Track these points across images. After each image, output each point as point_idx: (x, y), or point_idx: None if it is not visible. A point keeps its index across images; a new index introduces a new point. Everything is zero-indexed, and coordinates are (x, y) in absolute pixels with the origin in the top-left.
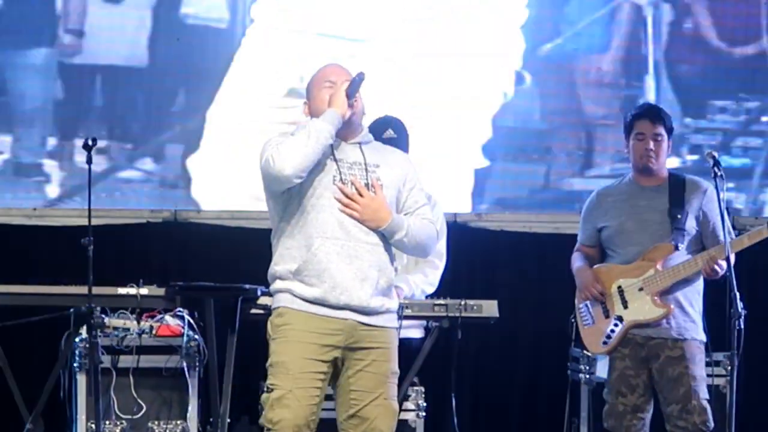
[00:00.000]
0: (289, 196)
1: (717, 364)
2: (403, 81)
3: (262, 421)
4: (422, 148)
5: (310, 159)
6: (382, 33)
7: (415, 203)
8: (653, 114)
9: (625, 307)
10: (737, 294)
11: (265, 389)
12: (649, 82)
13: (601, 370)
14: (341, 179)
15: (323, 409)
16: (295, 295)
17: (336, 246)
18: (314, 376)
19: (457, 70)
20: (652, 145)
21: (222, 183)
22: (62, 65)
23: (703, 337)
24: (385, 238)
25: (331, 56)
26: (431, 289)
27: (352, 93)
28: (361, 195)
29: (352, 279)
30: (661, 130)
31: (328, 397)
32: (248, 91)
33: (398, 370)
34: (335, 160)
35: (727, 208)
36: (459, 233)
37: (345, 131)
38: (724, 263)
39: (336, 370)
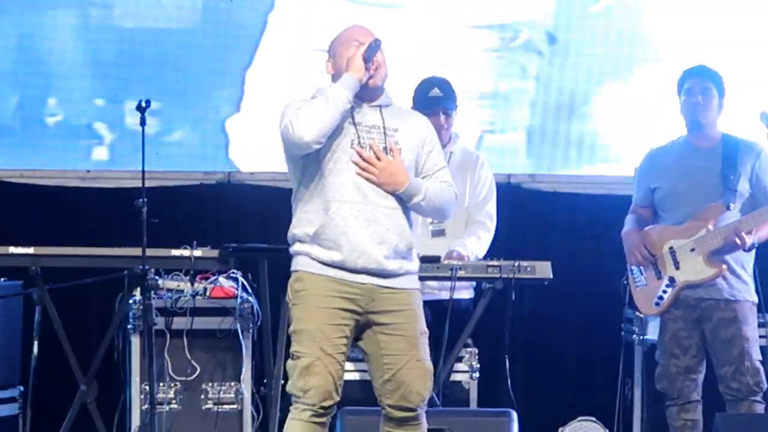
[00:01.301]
0: (307, 159)
1: (762, 325)
2: (435, 47)
3: (290, 389)
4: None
5: (329, 125)
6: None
7: (434, 166)
8: (702, 70)
9: (677, 267)
10: None
11: (291, 356)
12: None
13: (653, 331)
14: (359, 143)
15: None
16: (313, 258)
17: (353, 210)
18: (339, 341)
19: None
20: (700, 98)
21: (262, 145)
22: (112, 27)
23: (755, 297)
24: (403, 202)
25: (361, 20)
26: (483, 252)
27: (369, 57)
28: (378, 159)
29: (369, 242)
30: (710, 84)
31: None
32: (284, 54)
33: (427, 330)
34: (354, 123)
35: None
36: (512, 194)
37: (365, 94)
38: (746, 237)
39: (360, 333)
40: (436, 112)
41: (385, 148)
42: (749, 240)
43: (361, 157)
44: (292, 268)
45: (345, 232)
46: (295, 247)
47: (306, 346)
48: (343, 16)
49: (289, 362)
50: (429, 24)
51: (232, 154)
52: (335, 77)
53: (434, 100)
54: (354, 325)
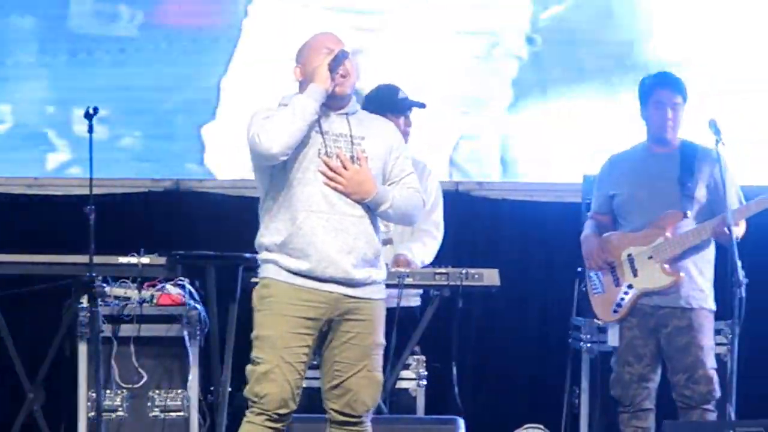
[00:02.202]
0: (275, 169)
1: (718, 332)
2: (407, 53)
3: (247, 394)
4: (430, 119)
5: (296, 136)
6: (390, 6)
7: (402, 172)
8: (673, 82)
9: (635, 275)
10: (738, 262)
11: (251, 362)
12: None
13: (612, 338)
14: (326, 152)
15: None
16: (280, 267)
17: (321, 219)
18: (300, 350)
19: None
20: (670, 114)
21: (235, 152)
22: (65, 34)
23: (712, 306)
24: (371, 210)
25: (338, 27)
26: (430, 259)
27: (335, 67)
28: (345, 168)
29: (337, 252)
30: (679, 99)
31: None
32: (257, 62)
33: (384, 342)
34: (321, 132)
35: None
36: (460, 202)
37: (332, 102)
38: (735, 228)
39: (321, 340)
40: (407, 114)
41: (352, 157)
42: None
43: (328, 166)
44: (259, 275)
45: (313, 241)
46: (263, 255)
47: (266, 352)
48: (319, 23)
49: (248, 367)
50: (406, 30)
51: (191, 161)
52: (303, 84)
53: (405, 101)
54: (317, 335)
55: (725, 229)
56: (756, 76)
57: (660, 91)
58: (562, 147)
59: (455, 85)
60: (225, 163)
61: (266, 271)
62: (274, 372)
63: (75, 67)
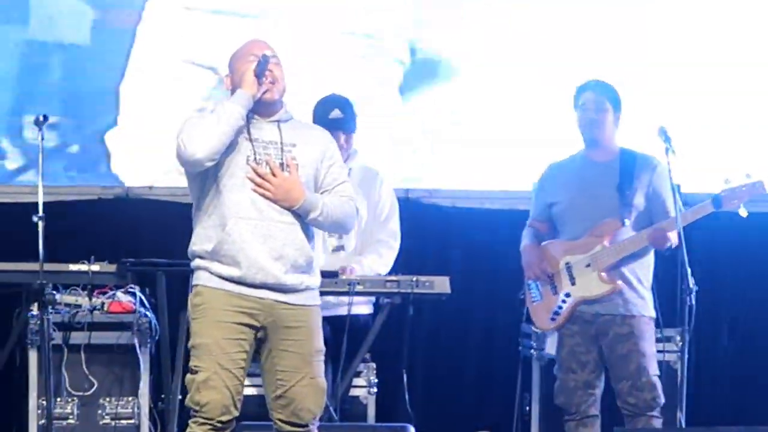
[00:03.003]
0: (204, 175)
1: (668, 340)
2: (302, 54)
3: (188, 403)
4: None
5: (222, 142)
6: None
7: (334, 180)
8: (597, 85)
9: (573, 283)
10: (688, 270)
11: (190, 371)
12: None
13: (550, 346)
14: (255, 159)
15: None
16: (212, 273)
17: (249, 225)
18: (237, 356)
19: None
20: (594, 114)
21: (144, 158)
22: (11, 40)
23: (652, 313)
24: (301, 217)
25: (226, 30)
26: (386, 270)
27: (260, 72)
28: (274, 175)
29: (266, 258)
30: (604, 100)
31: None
32: (153, 66)
33: (323, 347)
34: (250, 139)
35: (678, 185)
36: (411, 210)
37: (262, 108)
38: (672, 236)
39: (258, 347)
40: (337, 134)
41: (281, 164)
42: (673, 238)
43: (256, 173)
44: (192, 283)
45: (243, 248)
46: (195, 263)
47: (204, 360)
48: (208, 27)
49: (188, 376)
50: (294, 32)
51: (115, 168)
52: (233, 93)
53: (334, 122)
54: (253, 340)
55: (667, 235)
56: (696, 86)
57: (584, 94)
58: (513, 155)
59: (348, 87)
60: (132, 169)
61: (199, 279)
62: (213, 379)
63: (26, 73)
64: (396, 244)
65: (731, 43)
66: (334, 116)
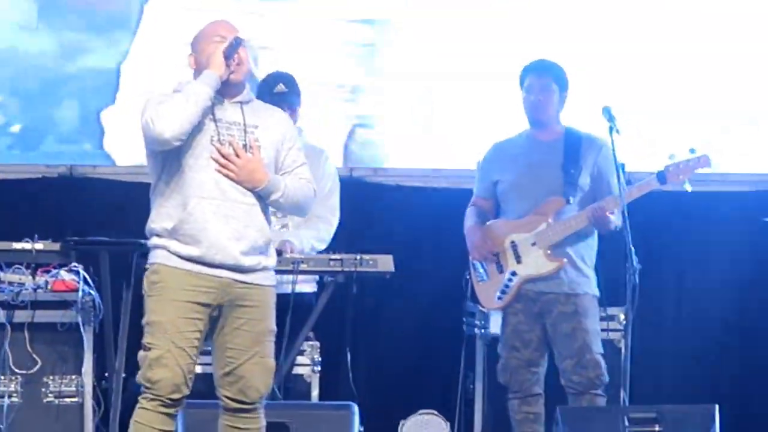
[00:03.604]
0: (167, 155)
1: (612, 318)
2: (302, 40)
3: (139, 380)
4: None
5: (190, 122)
6: None
7: (294, 162)
8: (540, 66)
9: (519, 261)
10: (632, 249)
11: (143, 347)
12: None
13: (495, 325)
14: (219, 139)
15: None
16: (170, 252)
17: (212, 206)
18: (191, 335)
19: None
20: (540, 95)
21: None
22: None
23: (596, 291)
24: (262, 198)
25: (239, 12)
26: (322, 246)
27: (229, 54)
28: (238, 156)
29: (227, 238)
30: (549, 81)
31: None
32: (157, 47)
33: (275, 328)
34: (214, 120)
35: (623, 164)
36: (355, 188)
37: (227, 90)
38: (611, 216)
39: (213, 326)
40: (281, 108)
41: (244, 145)
42: (614, 219)
43: (220, 153)
44: (149, 261)
45: (204, 228)
46: (153, 241)
47: (157, 338)
48: (213, 10)
49: (140, 353)
50: (295, 17)
51: (107, 146)
52: (197, 73)
53: (279, 96)
54: (208, 319)
55: (607, 214)
56: (645, 66)
57: (530, 76)
58: (456, 133)
59: (346, 72)
60: (124, 147)
61: (156, 257)
62: (166, 357)
63: None
64: (334, 220)
65: (682, 25)
66: (279, 90)
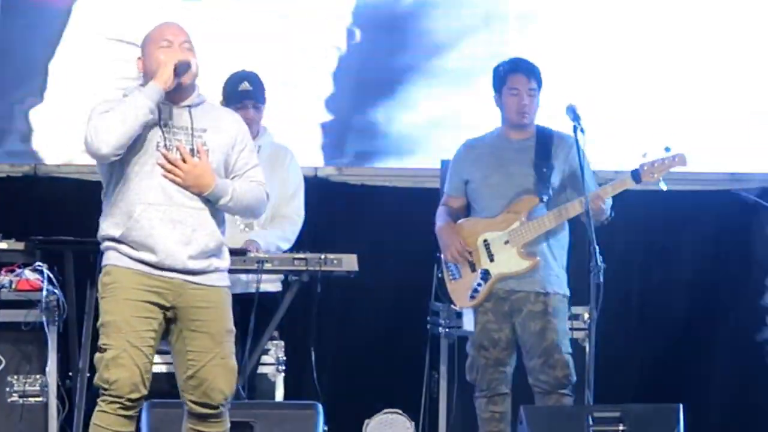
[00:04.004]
0: (113, 163)
1: (576, 317)
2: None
3: (97, 381)
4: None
5: (128, 136)
6: None
7: (245, 165)
8: (527, 68)
9: (492, 260)
10: (597, 248)
11: (99, 349)
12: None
13: (468, 324)
14: (165, 145)
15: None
16: (121, 254)
17: (158, 212)
18: (146, 334)
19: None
20: (526, 100)
21: (66, 136)
22: None
23: (566, 291)
24: (210, 202)
25: (165, 12)
26: (287, 245)
27: (180, 73)
28: (184, 161)
29: (175, 243)
30: (535, 85)
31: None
32: (88, 46)
33: (233, 329)
34: (161, 126)
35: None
36: (319, 187)
37: (175, 95)
38: (604, 205)
39: (168, 327)
40: (246, 105)
41: (191, 150)
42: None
43: (167, 159)
44: (102, 263)
45: (151, 234)
46: (105, 244)
47: (113, 338)
48: (150, 7)
49: (96, 355)
50: (237, 15)
51: (35, 144)
52: (145, 76)
53: (244, 93)
54: (162, 319)
55: (600, 204)
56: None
57: (514, 77)
58: (420, 133)
59: (315, 74)
60: (53, 146)
61: (108, 259)
62: (122, 357)
63: None
64: (299, 220)
65: (657, 25)
66: (243, 88)
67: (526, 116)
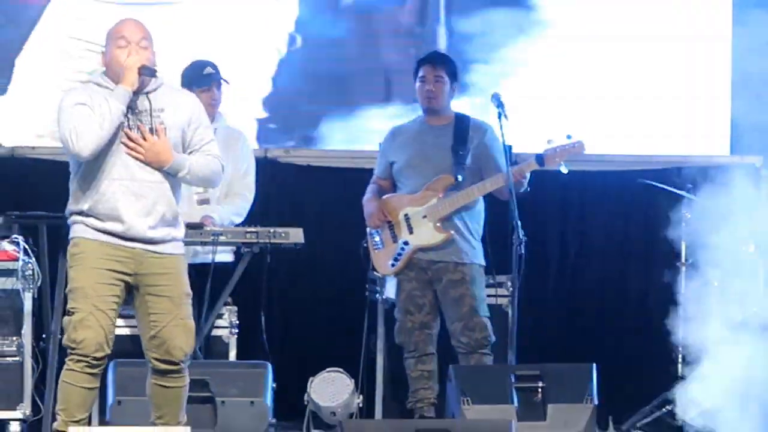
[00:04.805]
0: None
1: (500, 285)
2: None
3: (65, 342)
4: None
5: (106, 138)
6: None
7: (201, 141)
8: (434, 59)
9: (411, 232)
10: (518, 222)
11: (67, 313)
12: (441, 31)
13: (390, 290)
14: (129, 126)
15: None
16: (88, 226)
17: (122, 186)
18: (110, 298)
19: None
20: (432, 86)
21: (27, 124)
22: None
23: (482, 261)
24: (170, 176)
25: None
26: (239, 219)
27: (144, 75)
28: (145, 139)
29: (137, 214)
30: (442, 73)
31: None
32: (52, 43)
33: (190, 292)
34: (125, 112)
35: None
36: (269, 168)
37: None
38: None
39: (130, 294)
40: (211, 87)
41: (151, 129)
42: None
43: (129, 138)
44: (70, 236)
45: (116, 206)
46: (73, 218)
47: (80, 302)
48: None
49: (65, 318)
50: (204, 17)
51: None
52: (107, 70)
53: (209, 77)
54: (124, 286)
55: (521, 179)
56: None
57: (423, 67)
58: (359, 118)
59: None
60: (11, 132)
61: (75, 232)
62: (89, 319)
63: None
64: (251, 196)
65: (565, 14)
66: (208, 72)
67: (432, 101)
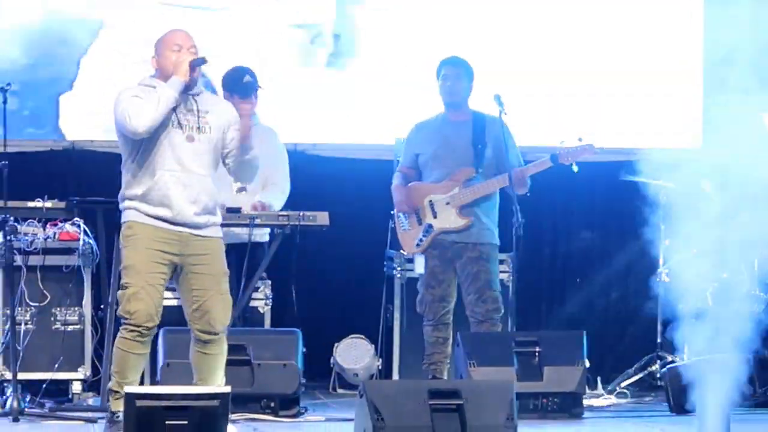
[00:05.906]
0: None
1: (502, 262)
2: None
3: (120, 313)
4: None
5: (159, 120)
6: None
7: (234, 142)
8: (454, 61)
9: (435, 217)
10: (518, 207)
11: (121, 287)
12: None
13: (419, 266)
14: (179, 124)
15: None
16: (140, 212)
17: (173, 177)
18: (158, 275)
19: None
20: (453, 84)
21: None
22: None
23: (497, 241)
24: (212, 171)
25: (184, 23)
26: (281, 205)
27: (194, 66)
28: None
29: (185, 202)
30: (461, 72)
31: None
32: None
33: (227, 270)
34: (174, 109)
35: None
36: (298, 159)
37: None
38: (528, 179)
39: (176, 272)
40: (249, 94)
41: (198, 127)
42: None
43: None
44: (123, 220)
45: (167, 194)
46: (126, 204)
47: (132, 277)
48: (167, 21)
49: (119, 292)
50: (242, 24)
51: (62, 124)
52: (158, 72)
53: (248, 85)
54: (170, 264)
55: (524, 175)
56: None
57: (445, 67)
58: (378, 114)
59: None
60: (77, 126)
61: (129, 216)
62: (140, 293)
63: None
64: (287, 185)
65: (555, 22)
66: (247, 80)
67: (455, 96)
